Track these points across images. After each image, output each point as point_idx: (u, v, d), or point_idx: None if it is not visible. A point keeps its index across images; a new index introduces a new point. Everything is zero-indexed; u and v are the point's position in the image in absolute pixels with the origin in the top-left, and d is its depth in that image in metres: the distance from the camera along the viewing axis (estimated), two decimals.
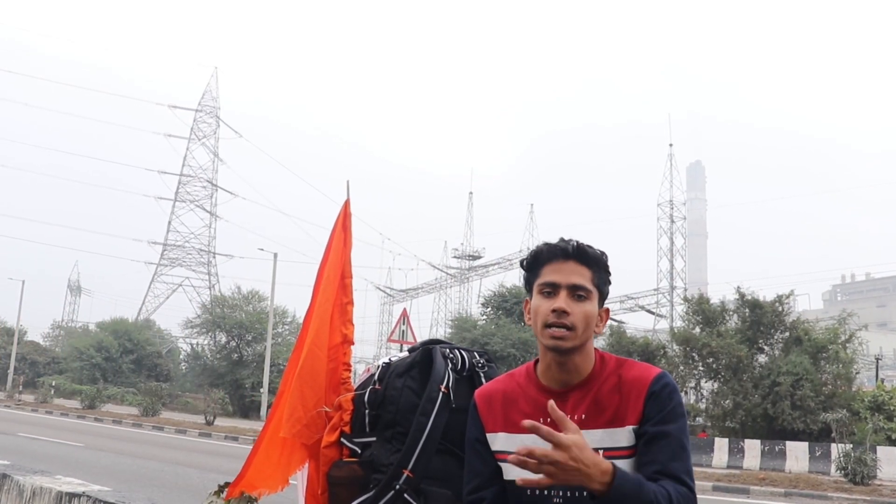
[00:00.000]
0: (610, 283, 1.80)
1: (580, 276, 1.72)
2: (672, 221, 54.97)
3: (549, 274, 1.74)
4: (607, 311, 1.80)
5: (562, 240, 1.78)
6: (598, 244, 1.82)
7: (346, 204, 2.55)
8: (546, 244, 1.79)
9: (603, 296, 1.76)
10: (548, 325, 1.70)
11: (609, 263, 1.79)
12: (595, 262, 1.75)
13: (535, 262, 1.78)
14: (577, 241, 1.76)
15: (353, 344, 2.48)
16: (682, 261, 55.05)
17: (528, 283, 1.82)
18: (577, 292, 1.70)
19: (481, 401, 1.86)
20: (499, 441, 1.80)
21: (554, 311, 1.69)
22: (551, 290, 1.72)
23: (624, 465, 1.64)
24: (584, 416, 1.70)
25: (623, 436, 1.66)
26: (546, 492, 1.71)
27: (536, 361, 1.83)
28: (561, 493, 1.69)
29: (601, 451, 1.65)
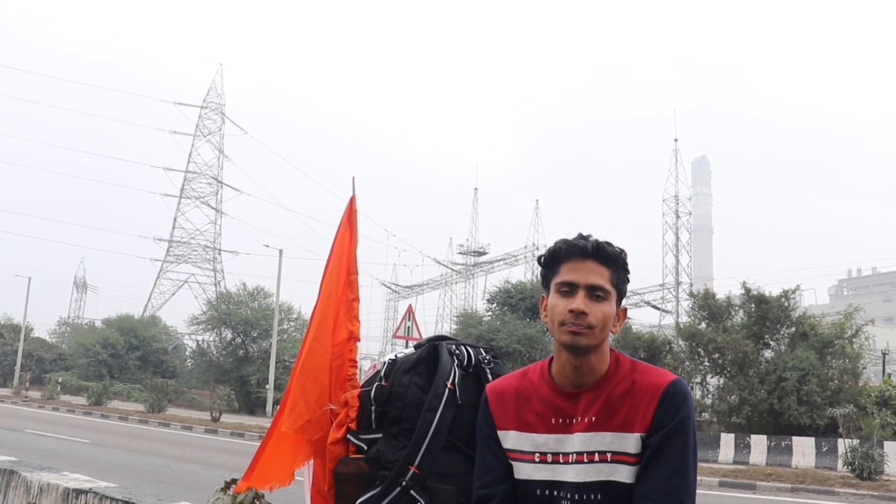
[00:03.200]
0: (628, 281, 1.76)
1: (599, 275, 1.69)
2: (677, 217, 54.97)
3: (567, 273, 1.71)
4: (624, 310, 1.77)
5: (581, 237, 1.74)
6: (605, 239, 1.77)
7: (352, 200, 2.55)
8: (565, 242, 1.75)
9: (621, 295, 1.73)
10: (564, 323, 1.67)
11: (627, 261, 1.74)
12: (614, 261, 1.71)
13: (554, 259, 1.75)
14: (597, 240, 1.72)
15: (359, 340, 2.48)
16: (688, 256, 55.04)
17: (546, 279, 1.79)
18: (595, 293, 1.68)
19: (493, 397, 1.85)
20: (510, 439, 1.79)
21: (571, 311, 1.66)
22: (569, 289, 1.69)
23: (629, 471, 1.64)
24: (594, 418, 1.68)
25: (631, 442, 1.65)
26: (556, 492, 1.71)
27: (551, 360, 1.81)
28: (569, 496, 1.69)
29: (609, 455, 1.66)
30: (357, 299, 2.48)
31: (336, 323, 2.43)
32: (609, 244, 1.73)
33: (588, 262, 1.69)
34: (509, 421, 1.80)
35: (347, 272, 2.48)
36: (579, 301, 1.66)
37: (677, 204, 55.06)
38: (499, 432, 1.81)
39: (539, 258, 1.82)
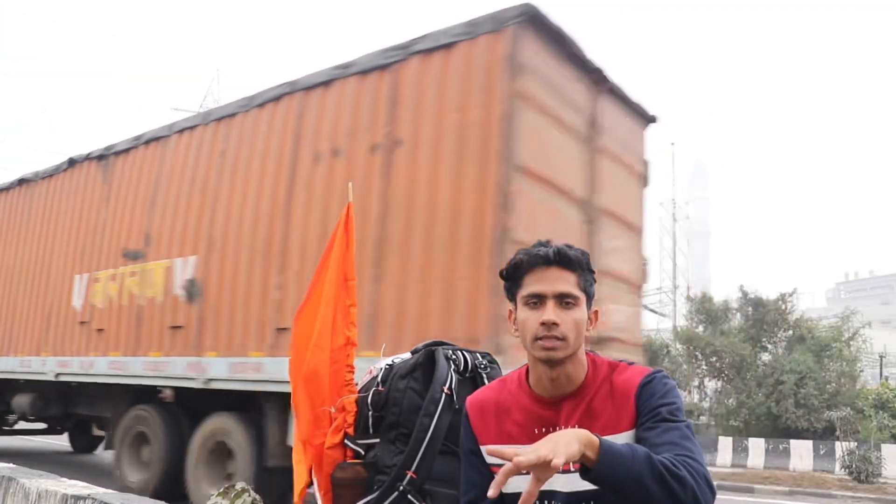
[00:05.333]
0: (594, 282, 1.72)
1: (565, 282, 1.65)
2: (675, 220, 54.93)
3: (532, 284, 1.67)
4: (597, 312, 1.72)
5: (541, 244, 1.70)
6: (566, 242, 1.74)
7: (349, 206, 2.57)
8: (525, 252, 1.71)
9: (590, 297, 1.69)
10: (538, 338, 1.63)
11: (590, 262, 1.71)
12: (578, 265, 1.67)
13: (516, 271, 1.71)
14: (558, 245, 1.68)
15: (356, 346, 2.49)
16: (685, 260, 55.02)
17: (510, 292, 1.74)
18: (564, 300, 1.64)
19: (473, 410, 1.82)
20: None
21: (543, 323, 1.62)
22: (537, 300, 1.65)
23: None
24: (576, 425, 1.65)
25: (621, 441, 1.58)
26: (547, 502, 1.69)
27: (528, 368, 1.78)
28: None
29: None
30: (354, 305, 2.50)
31: (333, 328, 2.45)
32: (570, 247, 1.69)
33: (552, 270, 1.65)
34: (490, 435, 1.77)
35: (345, 278, 2.50)
36: (549, 312, 1.62)
37: (674, 207, 55.07)
38: (481, 447, 1.78)
39: (501, 272, 1.77)
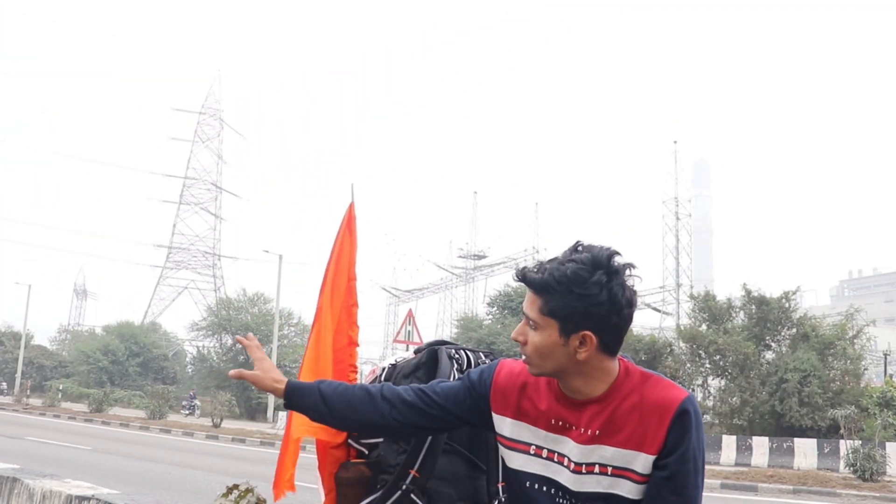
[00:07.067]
0: (583, 302, 1.57)
1: (531, 304, 1.63)
2: (677, 219, 54.92)
3: None
4: (584, 336, 1.58)
5: (521, 267, 1.71)
6: (602, 242, 1.62)
7: (351, 207, 2.56)
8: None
9: (568, 320, 1.58)
10: None
11: (575, 284, 1.56)
12: (544, 289, 1.60)
13: None
14: (525, 269, 1.66)
15: (358, 346, 2.49)
16: (688, 258, 54.95)
17: None
18: (529, 322, 1.64)
19: (503, 375, 1.81)
20: (506, 426, 1.77)
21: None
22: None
23: (632, 487, 1.61)
24: (598, 431, 1.63)
25: (639, 462, 1.60)
26: (545, 488, 1.70)
27: None
28: (566, 499, 1.68)
29: (610, 469, 1.62)
30: (356, 304, 2.50)
31: (338, 329, 2.44)
32: (544, 269, 1.62)
33: (529, 291, 1.65)
34: (509, 408, 1.77)
35: (348, 278, 2.49)
36: (517, 328, 1.67)
37: (677, 205, 55.00)
38: (494, 416, 1.79)
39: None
